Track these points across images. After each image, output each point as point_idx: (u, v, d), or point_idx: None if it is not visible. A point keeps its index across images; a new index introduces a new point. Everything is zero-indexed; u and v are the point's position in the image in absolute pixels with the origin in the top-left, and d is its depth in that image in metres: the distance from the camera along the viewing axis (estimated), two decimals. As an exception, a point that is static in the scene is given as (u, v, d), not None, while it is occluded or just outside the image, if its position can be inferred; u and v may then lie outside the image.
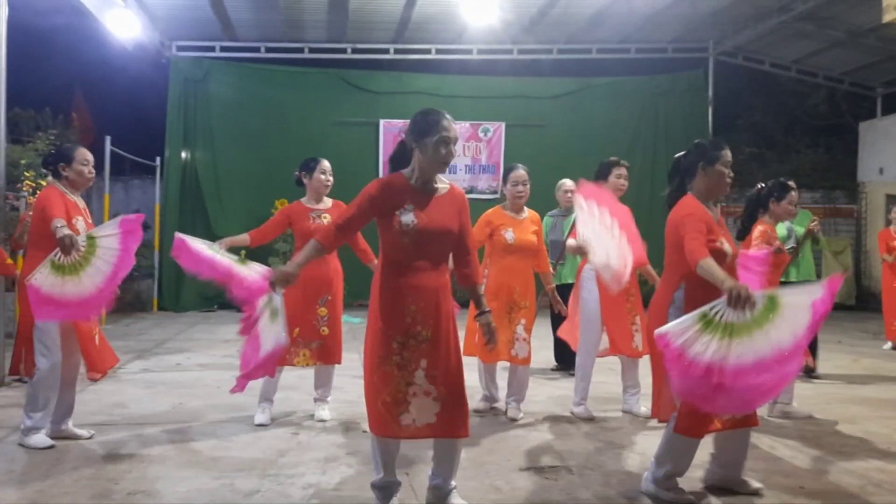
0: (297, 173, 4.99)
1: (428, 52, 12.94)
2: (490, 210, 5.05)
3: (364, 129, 12.96)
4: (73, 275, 3.97)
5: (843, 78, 13.81)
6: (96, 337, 4.33)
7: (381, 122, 12.96)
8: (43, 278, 3.95)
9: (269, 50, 12.68)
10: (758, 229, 4.92)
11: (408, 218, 3.10)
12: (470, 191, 13.02)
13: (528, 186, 4.99)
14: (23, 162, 8.72)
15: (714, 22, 12.07)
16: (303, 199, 4.94)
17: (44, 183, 6.41)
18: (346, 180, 12.52)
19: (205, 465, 3.86)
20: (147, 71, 12.88)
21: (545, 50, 13.05)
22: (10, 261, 5.61)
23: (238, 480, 3.60)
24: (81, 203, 4.40)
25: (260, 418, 4.68)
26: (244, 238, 4.79)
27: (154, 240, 12.17)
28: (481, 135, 13.14)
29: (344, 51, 12.84)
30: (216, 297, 12.18)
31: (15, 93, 6.09)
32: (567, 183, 6.93)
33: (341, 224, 3.23)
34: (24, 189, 6.34)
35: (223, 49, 12.59)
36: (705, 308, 3.00)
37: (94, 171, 4.44)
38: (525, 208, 5.04)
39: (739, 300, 2.95)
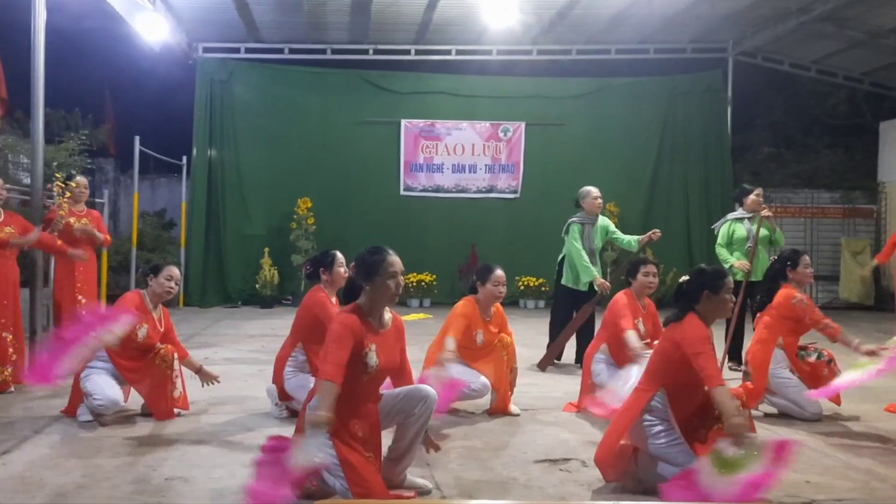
0: (308, 267, 4.98)
1: (448, 52, 13.11)
2: (468, 305, 5.02)
3: (386, 129, 13.16)
4: None
5: (862, 78, 13.80)
6: None
7: (403, 121, 13.16)
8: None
9: (292, 51, 12.92)
10: (783, 294, 5.09)
11: (372, 360, 3.28)
12: (490, 190, 13.19)
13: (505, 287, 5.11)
14: (54, 164, 8.98)
15: (733, 22, 12.12)
16: (325, 287, 4.92)
17: (73, 184, 6.64)
18: (368, 178, 12.91)
19: (237, 454, 4.06)
20: (174, 72, 13.17)
21: (564, 51, 13.18)
22: (59, 241, 6.11)
23: (268, 468, 3.80)
24: (156, 314, 4.94)
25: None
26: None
27: (180, 237, 12.47)
28: (501, 134, 13.28)
29: (366, 52, 13.05)
30: (240, 294, 12.47)
31: (45, 93, 6.34)
32: (594, 191, 7.02)
33: (339, 364, 3.18)
34: (55, 189, 6.55)
35: (248, 50, 12.85)
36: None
37: (176, 288, 4.96)
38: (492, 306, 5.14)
39: (739, 441, 3.16)
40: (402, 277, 3.39)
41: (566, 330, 6.65)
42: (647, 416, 3.50)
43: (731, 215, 7.06)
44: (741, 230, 6.86)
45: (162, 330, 4.96)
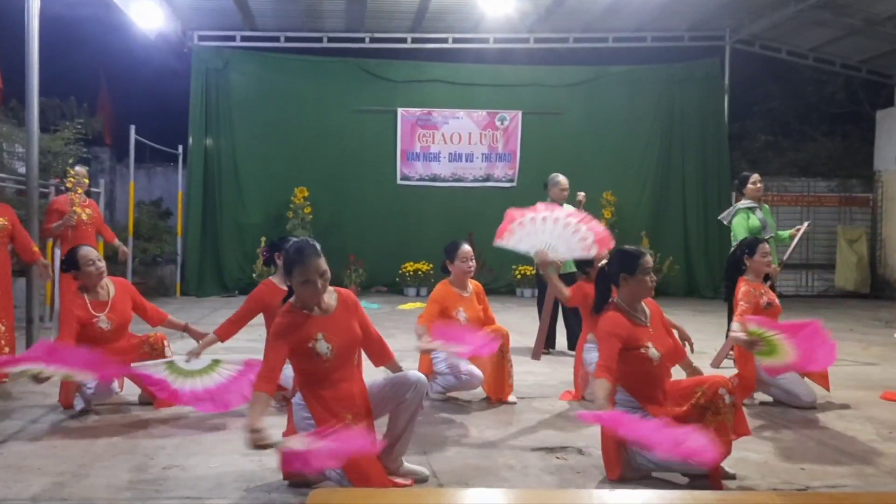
0: (265, 252, 4.93)
1: (445, 41, 13.07)
2: (439, 288, 5.08)
3: (382, 118, 13.13)
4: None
5: (860, 66, 13.78)
6: None
7: (399, 110, 13.13)
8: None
9: (288, 39, 12.86)
10: (741, 290, 5.01)
11: (322, 348, 3.27)
12: (486, 179, 13.18)
13: (475, 262, 5.15)
14: (54, 150, 8.97)
15: (730, 10, 12.10)
16: (274, 278, 4.82)
17: (85, 181, 6.69)
18: (364, 167, 12.89)
19: (234, 443, 4.07)
20: (169, 61, 13.10)
21: (561, 39, 13.15)
22: (35, 248, 5.88)
23: (266, 458, 3.80)
24: (106, 297, 4.80)
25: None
26: (212, 339, 4.66)
27: (177, 226, 12.45)
28: (498, 123, 13.26)
29: (362, 40, 13.00)
30: (237, 283, 12.46)
31: (40, 82, 6.31)
32: (563, 182, 7.03)
33: (272, 370, 3.23)
34: (69, 183, 6.57)
35: (243, 39, 12.79)
36: None
37: (101, 265, 4.81)
38: (469, 282, 5.17)
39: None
40: (320, 280, 3.26)
41: (543, 317, 6.70)
42: (617, 409, 3.52)
43: (740, 205, 6.81)
44: (755, 220, 6.65)
45: (122, 307, 4.81)
